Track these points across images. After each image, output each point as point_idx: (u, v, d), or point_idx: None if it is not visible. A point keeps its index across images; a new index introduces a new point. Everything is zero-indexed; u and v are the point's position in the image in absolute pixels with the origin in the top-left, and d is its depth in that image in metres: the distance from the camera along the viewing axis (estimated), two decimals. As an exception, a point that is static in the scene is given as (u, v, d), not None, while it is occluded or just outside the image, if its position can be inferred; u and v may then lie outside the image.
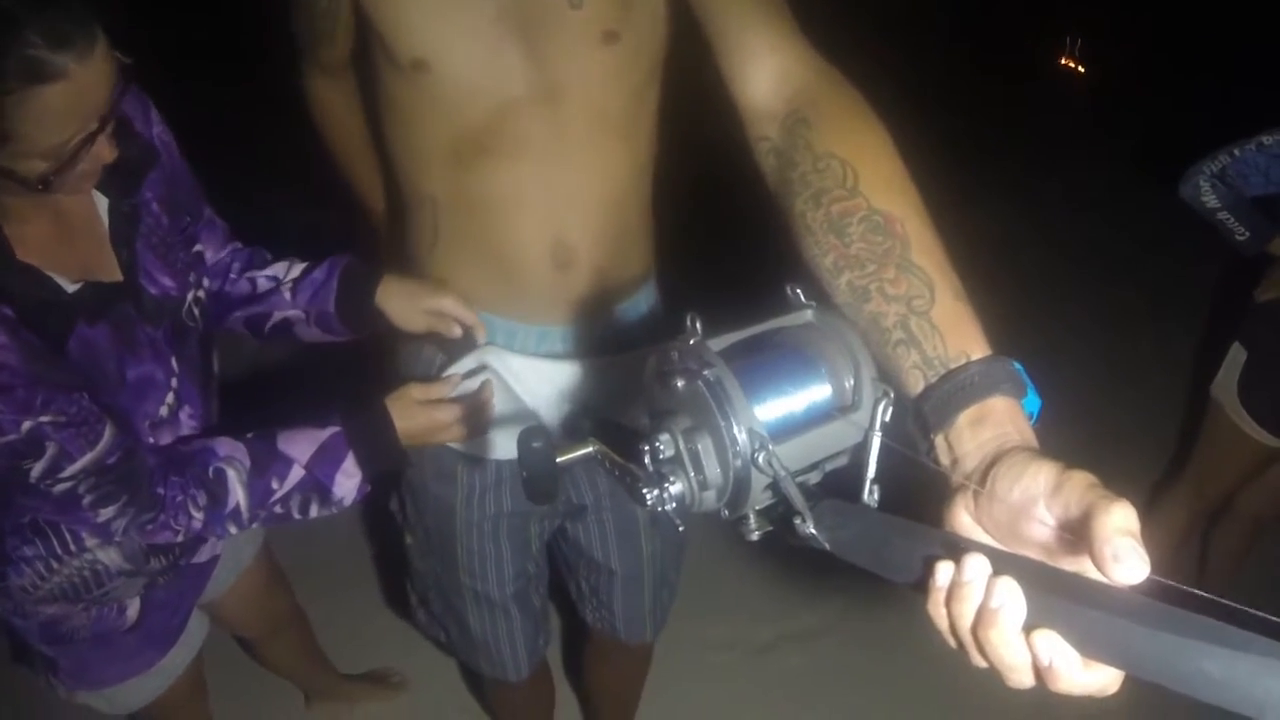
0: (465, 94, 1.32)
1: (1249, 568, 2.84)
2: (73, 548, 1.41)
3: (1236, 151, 2.17)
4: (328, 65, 1.59)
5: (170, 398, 1.37)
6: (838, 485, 0.72)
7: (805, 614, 2.85)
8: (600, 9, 1.29)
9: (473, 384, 1.45)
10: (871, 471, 0.68)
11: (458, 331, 1.46)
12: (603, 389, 1.50)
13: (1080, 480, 0.58)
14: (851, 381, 0.71)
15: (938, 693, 2.31)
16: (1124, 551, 0.52)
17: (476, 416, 1.42)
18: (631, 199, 1.50)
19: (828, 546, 0.65)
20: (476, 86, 1.31)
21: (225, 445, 1.33)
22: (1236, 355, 2.41)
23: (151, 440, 1.36)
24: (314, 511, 1.37)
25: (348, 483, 1.36)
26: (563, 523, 1.81)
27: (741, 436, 0.64)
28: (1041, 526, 0.60)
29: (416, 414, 1.38)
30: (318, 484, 1.34)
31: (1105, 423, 3.55)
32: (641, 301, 1.61)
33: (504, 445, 1.54)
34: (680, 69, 1.40)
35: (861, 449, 0.70)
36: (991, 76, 6.03)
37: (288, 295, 1.52)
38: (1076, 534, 0.56)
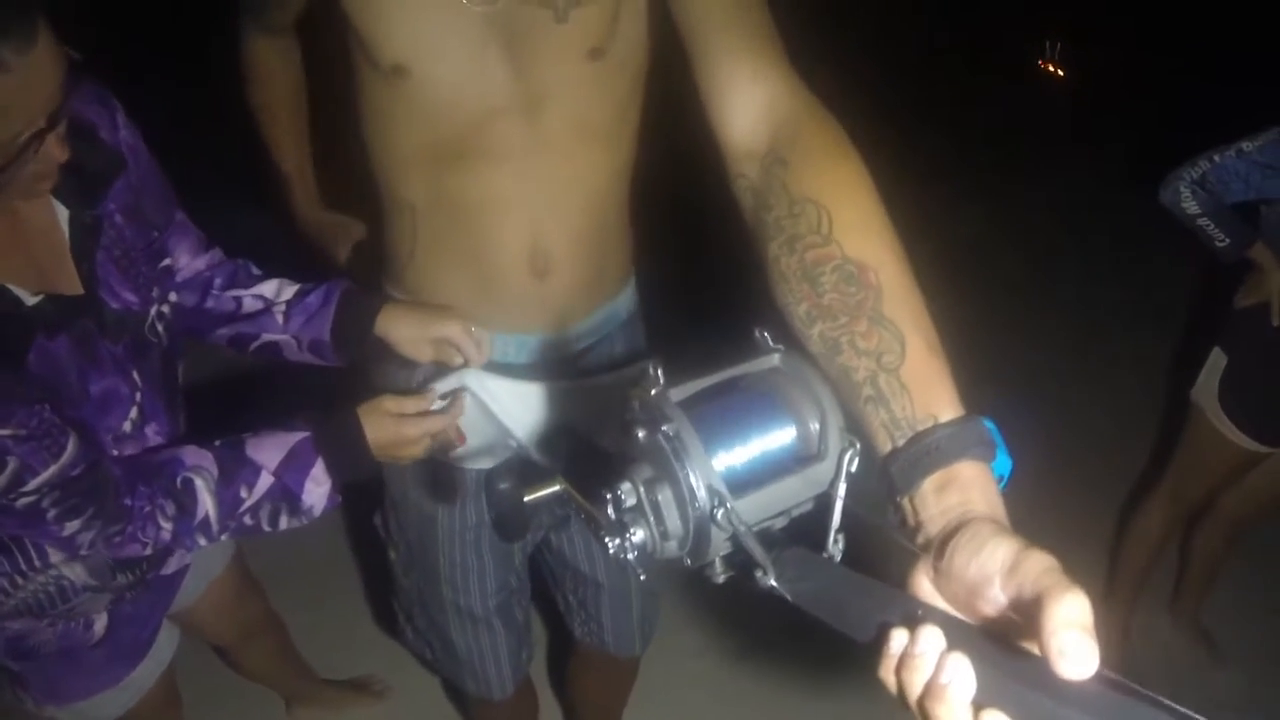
0: (445, 102, 1.29)
1: (1226, 572, 2.86)
2: (37, 563, 1.39)
3: (1216, 158, 2.16)
4: (272, 26, 1.57)
5: (134, 412, 1.35)
6: (804, 526, 0.71)
7: (774, 622, 2.84)
8: (586, 25, 1.27)
9: (445, 401, 1.44)
10: (836, 521, 0.67)
11: (460, 361, 1.45)
12: (580, 411, 1.49)
13: (1036, 564, 0.57)
14: (817, 427, 0.70)
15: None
16: (1070, 646, 0.50)
17: (446, 435, 1.41)
18: (610, 205, 1.49)
19: (789, 598, 0.64)
20: (457, 95, 1.29)
21: (192, 455, 1.30)
22: (1217, 360, 2.41)
23: (115, 453, 1.33)
24: (283, 523, 1.34)
25: (317, 490, 1.33)
26: (546, 534, 1.80)
27: (701, 492, 0.63)
28: (996, 605, 0.59)
29: (387, 426, 1.36)
30: (287, 491, 1.31)
31: (1085, 427, 3.56)
32: (621, 307, 1.60)
33: (483, 457, 1.53)
34: (664, 79, 1.38)
35: (827, 497, 0.68)
36: (972, 81, 6.02)
37: (279, 319, 1.48)
38: (1028, 618, 0.55)
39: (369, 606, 2.86)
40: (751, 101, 0.97)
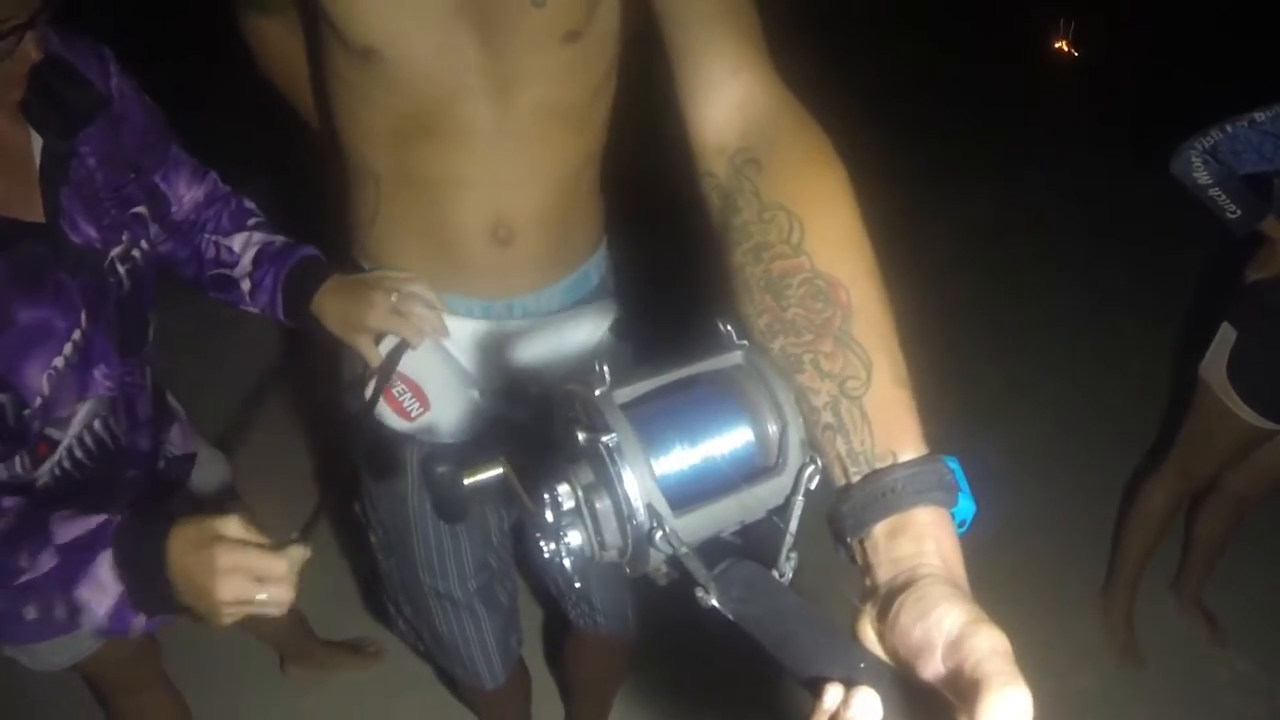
0: (416, 83, 1.26)
1: (1231, 554, 2.83)
2: None
3: (1229, 127, 2.12)
4: (266, 6, 1.52)
5: (68, 349, 1.29)
6: (757, 530, 0.66)
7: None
8: (563, 9, 1.22)
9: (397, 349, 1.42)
10: (790, 540, 0.62)
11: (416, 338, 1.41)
12: (542, 353, 1.47)
13: (981, 644, 0.53)
14: (777, 436, 0.64)
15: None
16: None
17: (277, 595, 1.16)
18: (579, 182, 1.46)
19: (730, 617, 0.59)
20: (429, 77, 1.25)
21: (8, 499, 1.16)
22: (1226, 336, 2.36)
23: (48, 393, 1.25)
24: (61, 617, 1.11)
25: (97, 592, 1.09)
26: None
27: (640, 510, 0.57)
28: (935, 672, 0.55)
29: (203, 546, 1.10)
30: (65, 579, 1.09)
31: (1093, 406, 3.54)
32: (591, 273, 1.57)
33: (451, 425, 1.48)
34: (639, 56, 1.33)
35: (782, 511, 0.63)
36: (983, 62, 5.92)
37: (248, 297, 1.51)
38: (963, 699, 0.51)
39: (365, 570, 2.81)
40: (727, 98, 0.89)
